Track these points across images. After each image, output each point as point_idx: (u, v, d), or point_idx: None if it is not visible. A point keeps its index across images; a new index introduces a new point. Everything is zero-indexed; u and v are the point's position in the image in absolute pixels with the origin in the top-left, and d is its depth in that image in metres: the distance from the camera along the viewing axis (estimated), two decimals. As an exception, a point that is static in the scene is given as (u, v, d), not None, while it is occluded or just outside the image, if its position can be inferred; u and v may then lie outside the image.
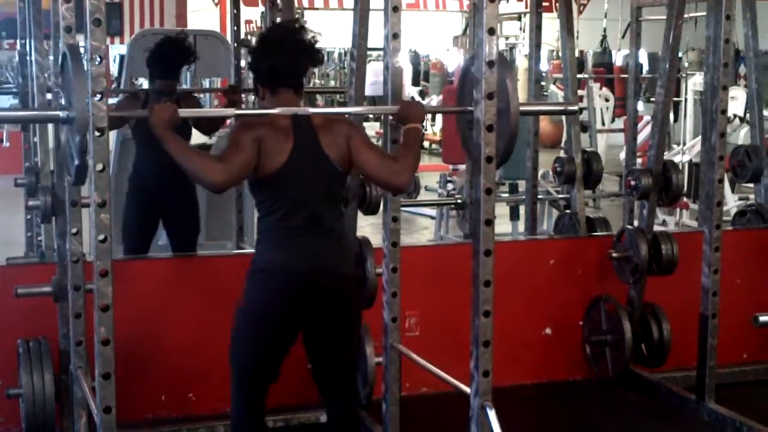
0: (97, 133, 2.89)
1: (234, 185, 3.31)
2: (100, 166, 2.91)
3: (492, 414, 3.25)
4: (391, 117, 3.73)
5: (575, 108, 3.88)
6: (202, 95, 8.91)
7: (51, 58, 3.97)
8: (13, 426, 4.30)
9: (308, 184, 3.36)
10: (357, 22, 4.27)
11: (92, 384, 3.51)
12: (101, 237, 2.92)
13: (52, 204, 3.79)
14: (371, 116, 12.43)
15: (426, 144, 16.02)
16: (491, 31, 3.13)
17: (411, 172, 3.44)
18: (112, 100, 3.23)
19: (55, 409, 3.96)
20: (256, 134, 3.29)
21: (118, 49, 13.61)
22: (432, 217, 9.21)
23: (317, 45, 3.51)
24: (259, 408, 3.51)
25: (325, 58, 18.46)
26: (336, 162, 3.39)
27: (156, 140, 3.20)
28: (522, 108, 3.23)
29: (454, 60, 17.91)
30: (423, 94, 17.53)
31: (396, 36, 3.83)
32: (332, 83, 19.30)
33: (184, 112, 3.33)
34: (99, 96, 2.89)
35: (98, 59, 2.89)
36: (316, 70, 18.69)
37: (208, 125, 5.50)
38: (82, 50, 3.12)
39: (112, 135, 5.19)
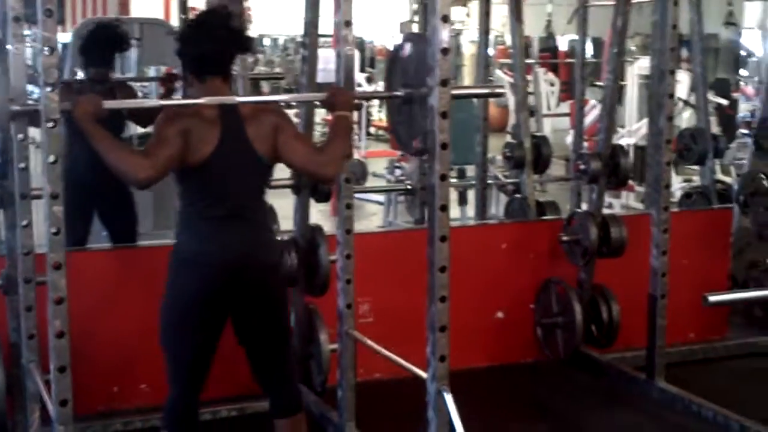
0: (49, 125, 2.86)
1: (159, 180, 3.22)
2: (52, 158, 2.88)
3: (449, 398, 3.28)
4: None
5: (502, 91, 3.96)
6: (146, 84, 8.81)
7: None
8: (-36, 421, 4.24)
9: (233, 176, 3.32)
10: (308, 9, 4.26)
11: (45, 378, 3.50)
12: (54, 229, 2.89)
13: (1, 196, 3.73)
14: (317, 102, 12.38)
15: (372, 130, 16.02)
16: (445, 19, 3.14)
17: (338, 163, 3.42)
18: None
19: (6, 404, 3.92)
20: (181, 126, 3.24)
21: (60, 38, 13.43)
22: (380, 203, 9.21)
23: (246, 33, 3.49)
24: (193, 398, 3.48)
25: (260, 45, 18.44)
26: (262, 154, 3.35)
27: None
28: (453, 92, 3.26)
29: (399, 45, 17.92)
30: (369, 80, 17.51)
31: (348, 24, 3.83)
32: (277, 70, 19.19)
33: (110, 104, 3.27)
34: (50, 87, 2.85)
35: (49, 50, 2.85)
36: (261, 56, 18.64)
37: (145, 117, 5.32)
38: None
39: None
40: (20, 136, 3.42)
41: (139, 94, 6.60)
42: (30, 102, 3.08)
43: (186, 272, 3.33)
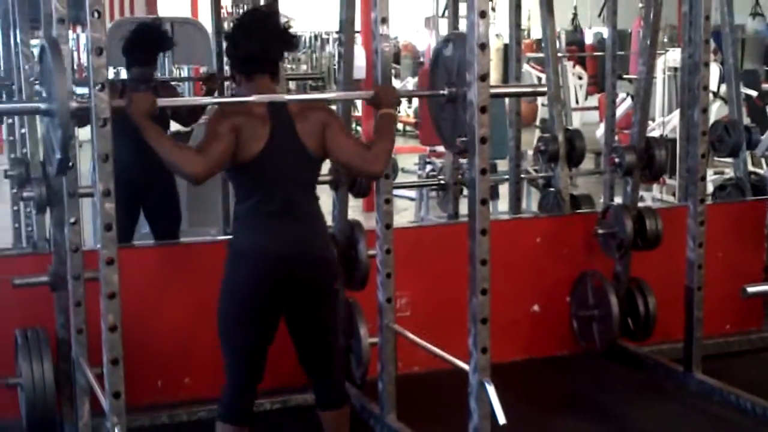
0: (100, 124, 2.92)
1: (213, 175, 3.31)
2: (104, 156, 2.94)
3: (491, 389, 3.32)
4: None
5: (544, 89, 4.01)
6: (180, 84, 8.89)
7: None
8: (11, 416, 4.31)
9: (284, 171, 3.39)
10: (344, 6, 4.31)
11: (94, 371, 3.57)
12: (106, 225, 2.96)
13: (47, 195, 3.81)
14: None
15: (401, 126, 16.08)
16: (483, 14, 3.19)
17: (385, 159, 3.48)
18: (84, 90, 3.24)
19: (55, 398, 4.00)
20: (233, 123, 3.31)
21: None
22: (411, 199, 9.25)
23: (291, 30, 3.54)
24: (250, 390, 3.54)
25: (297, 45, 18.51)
26: (312, 149, 3.42)
27: (134, 130, 3.19)
28: (493, 91, 3.30)
29: (424, 41, 17.94)
30: (396, 76, 17.57)
31: (384, 20, 3.89)
32: (303, 68, 19.29)
33: (163, 101, 3.35)
34: (101, 87, 2.92)
35: (98, 51, 2.91)
36: (286, 54, 18.69)
37: (187, 116, 5.48)
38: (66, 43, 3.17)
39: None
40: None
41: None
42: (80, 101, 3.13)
43: (243, 265, 3.39)
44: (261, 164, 3.35)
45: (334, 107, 4.01)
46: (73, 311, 3.66)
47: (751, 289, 3.61)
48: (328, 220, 4.58)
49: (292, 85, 18.38)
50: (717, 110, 9.33)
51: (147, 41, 5.19)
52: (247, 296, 3.40)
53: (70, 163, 3.37)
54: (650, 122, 10.35)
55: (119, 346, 3.07)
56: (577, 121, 12.10)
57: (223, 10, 13.39)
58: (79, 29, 12.41)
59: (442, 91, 3.62)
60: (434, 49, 3.81)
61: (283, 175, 3.38)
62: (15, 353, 4.06)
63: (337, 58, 4.52)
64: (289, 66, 18.22)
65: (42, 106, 3.17)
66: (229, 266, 3.44)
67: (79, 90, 3.58)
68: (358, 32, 10.41)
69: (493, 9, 16.46)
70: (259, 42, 3.40)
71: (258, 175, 3.38)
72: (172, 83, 5.87)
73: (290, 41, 3.52)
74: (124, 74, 6.17)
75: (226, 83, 5.99)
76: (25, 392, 3.96)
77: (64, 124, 2.92)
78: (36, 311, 4.19)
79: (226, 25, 6.27)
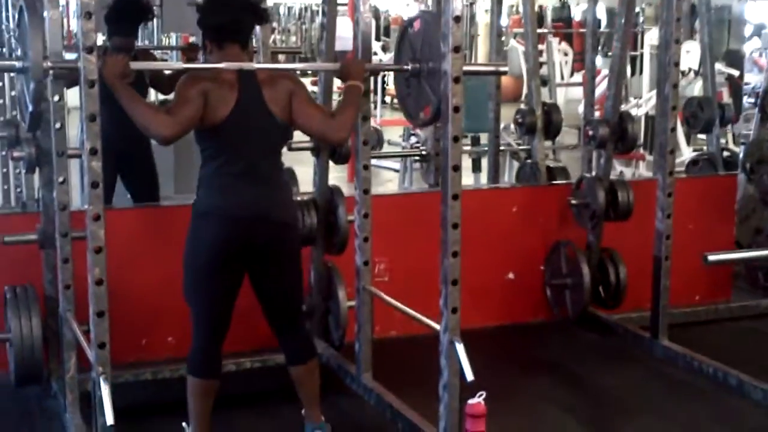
0: (87, 86, 3.05)
1: (181, 137, 3.43)
2: (91, 116, 3.07)
3: (461, 348, 3.46)
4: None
5: (505, 69, 4.16)
6: (167, 52, 8.96)
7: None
8: (0, 369, 4.46)
9: (250, 136, 3.52)
10: (327, -22, 4.42)
11: (81, 328, 3.71)
12: (93, 183, 3.09)
13: (36, 155, 3.93)
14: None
15: (387, 99, 16.17)
16: (457, -12, 3.31)
17: (348, 128, 3.66)
18: (71, 55, 3.37)
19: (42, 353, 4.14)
20: (202, 87, 3.44)
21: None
22: (395, 170, 9.39)
23: (262, 3, 3.68)
24: (215, 347, 3.67)
25: (276, 15, 18.52)
26: (278, 116, 3.55)
27: (112, 96, 3.31)
28: (466, 69, 3.43)
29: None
30: (384, 49, 17.64)
31: (367, -8, 3.99)
32: (293, 38, 19.35)
33: (136, 65, 3.47)
34: (89, 50, 3.05)
35: (87, 15, 3.03)
36: (276, 25, 18.76)
37: (167, 84, 5.53)
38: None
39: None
40: (56, 97, 3.63)
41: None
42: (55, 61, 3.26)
43: (204, 224, 3.53)
44: (227, 128, 3.47)
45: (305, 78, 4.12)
46: (61, 268, 3.79)
47: (712, 257, 3.77)
48: (310, 187, 4.74)
49: (281, 58, 18.53)
50: (699, 88, 9.47)
51: (129, 11, 5.27)
52: (208, 255, 3.53)
53: (58, 124, 3.51)
54: (633, 99, 10.56)
55: (105, 299, 3.21)
56: (561, 97, 12.21)
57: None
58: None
59: (406, 66, 3.76)
60: (400, 27, 3.93)
61: (248, 140, 3.51)
62: (4, 309, 4.17)
63: (320, 30, 4.62)
64: (278, 38, 18.31)
65: (17, 64, 3.32)
66: (191, 226, 3.57)
67: (68, 56, 3.69)
68: (344, 5, 10.46)
69: (483, -16, 16.55)
70: (230, 13, 3.53)
71: (223, 139, 3.50)
72: (154, 51, 5.93)
73: (261, 14, 3.64)
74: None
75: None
76: (13, 347, 4.07)
77: (37, 79, 3.06)
78: (24, 269, 4.32)
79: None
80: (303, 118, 3.58)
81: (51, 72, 3.31)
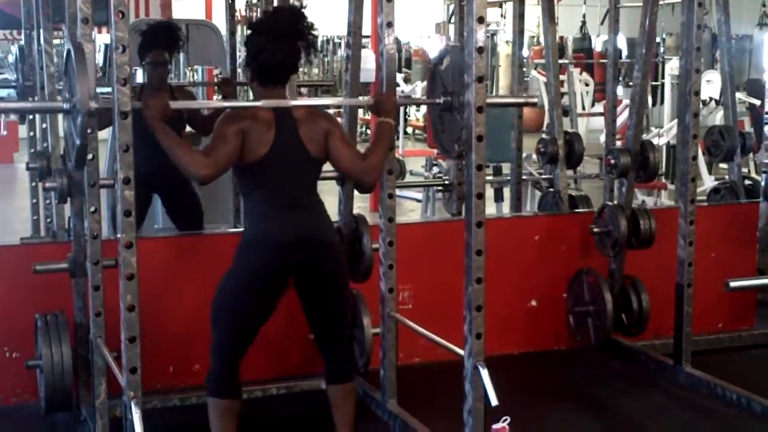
0: (121, 117, 3.14)
1: (219, 176, 3.51)
2: (124, 147, 3.16)
3: (485, 373, 3.50)
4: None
5: (535, 100, 4.20)
6: (195, 88, 9.08)
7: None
8: (30, 397, 4.53)
9: (288, 171, 3.60)
10: (352, 11, 4.49)
11: (111, 355, 3.78)
12: (126, 211, 3.17)
13: (68, 185, 4.02)
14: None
15: (410, 130, 16.28)
16: (480, 20, 3.37)
17: (379, 169, 3.76)
18: (100, 89, 3.45)
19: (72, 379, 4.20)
20: (239, 126, 3.51)
21: (103, 39, 13.75)
22: (418, 200, 9.46)
23: (314, 33, 3.69)
24: (234, 368, 3.72)
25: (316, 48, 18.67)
26: (314, 153, 3.64)
27: (151, 132, 3.39)
28: (489, 101, 3.51)
29: (435, 47, 18.13)
30: (407, 80, 17.76)
31: (390, 25, 4.07)
32: (315, 71, 19.51)
33: (176, 104, 3.56)
34: (123, 82, 3.14)
35: (121, 49, 3.13)
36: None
37: (203, 124, 5.57)
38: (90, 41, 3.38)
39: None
40: (88, 129, 3.72)
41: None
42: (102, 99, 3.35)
43: (251, 250, 3.61)
44: (265, 166, 3.56)
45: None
46: (92, 295, 3.86)
47: (734, 284, 3.80)
48: (335, 216, 4.81)
49: (303, 90, 18.67)
50: (720, 118, 9.51)
51: (163, 31, 5.39)
52: (251, 278, 3.60)
53: (90, 156, 3.60)
54: (654, 129, 10.61)
55: (137, 325, 3.28)
56: (582, 127, 12.28)
57: (237, 13, 13.67)
58: (95, 31, 12.62)
59: (438, 100, 3.83)
60: (431, 63, 3.99)
61: (286, 175, 3.60)
62: (35, 336, 4.27)
63: (345, 62, 4.70)
64: (300, 70, 18.44)
65: (65, 105, 3.41)
66: (238, 252, 3.64)
67: (99, 89, 3.79)
68: (368, 36, 10.61)
69: (503, 16, 16.69)
70: (282, 51, 3.58)
71: (262, 175, 3.59)
72: (188, 87, 6.04)
73: (310, 47, 3.68)
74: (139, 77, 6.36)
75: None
76: (44, 374, 4.14)
77: (84, 116, 3.15)
78: (55, 297, 4.39)
79: (240, 28, 6.45)
80: (337, 158, 3.67)
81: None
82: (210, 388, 3.72)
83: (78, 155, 3.30)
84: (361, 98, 4.11)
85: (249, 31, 3.71)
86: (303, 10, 3.71)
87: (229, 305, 3.65)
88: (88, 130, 3.57)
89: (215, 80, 7.09)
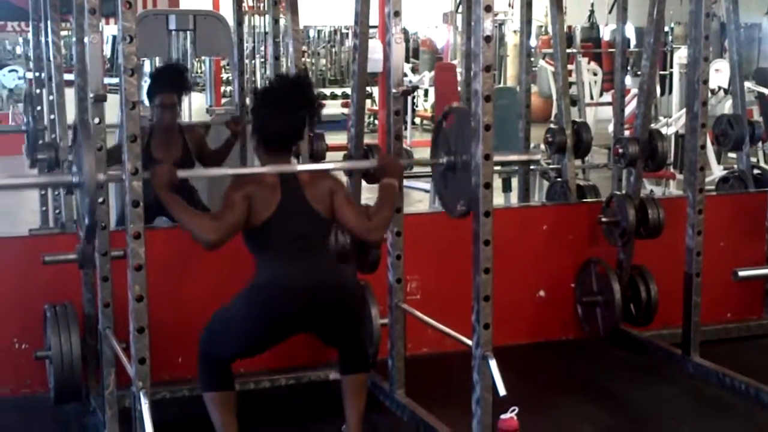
0: (129, 107, 3.14)
1: (226, 242, 3.60)
2: (132, 138, 3.16)
3: (493, 363, 3.51)
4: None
5: (538, 157, 4.20)
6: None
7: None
8: (39, 388, 4.54)
9: (295, 228, 3.67)
10: (359, 1, 4.49)
11: (120, 345, 3.79)
12: (134, 202, 3.18)
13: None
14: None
15: (417, 120, 16.27)
16: (488, 9, 3.37)
17: (384, 229, 3.84)
18: (109, 80, 3.48)
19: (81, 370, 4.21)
20: (246, 192, 3.62)
21: (110, 30, 13.77)
22: (425, 191, 9.45)
23: (319, 104, 3.83)
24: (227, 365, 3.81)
25: (305, 39, 18.68)
26: (323, 213, 3.72)
27: (155, 163, 3.49)
28: (496, 158, 3.53)
29: (443, 37, 18.11)
30: (414, 70, 17.75)
31: (397, 14, 4.08)
32: (323, 62, 19.50)
33: (184, 174, 3.63)
34: (131, 73, 3.14)
35: (129, 39, 3.13)
36: (305, 48, 18.90)
37: (211, 160, 5.60)
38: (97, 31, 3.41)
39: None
40: (96, 119, 3.73)
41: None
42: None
43: (262, 294, 3.66)
44: (270, 227, 3.65)
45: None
46: (101, 286, 3.87)
47: (742, 273, 3.79)
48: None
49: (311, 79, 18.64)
50: (729, 107, 9.48)
51: (170, 75, 5.46)
52: (257, 322, 3.67)
53: (99, 146, 3.61)
54: (663, 118, 10.58)
55: (145, 315, 3.29)
56: (591, 116, 12.24)
57: (244, 3, 13.67)
58: (102, 22, 12.62)
59: (441, 160, 3.88)
60: (435, 123, 4.04)
61: (294, 231, 3.67)
62: (44, 327, 4.28)
63: (352, 52, 4.70)
64: (308, 60, 18.44)
65: (75, 179, 3.45)
66: (243, 296, 3.69)
67: (106, 80, 3.81)
68: (375, 27, 10.59)
69: (511, 6, 16.65)
70: (288, 122, 3.71)
71: (269, 234, 3.66)
72: (198, 127, 5.99)
73: (314, 116, 3.81)
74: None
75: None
76: (53, 364, 4.15)
77: (92, 196, 3.24)
78: (63, 288, 4.41)
79: (247, 18, 6.44)
80: (343, 218, 3.75)
81: (92, 95, 3.40)
82: (205, 383, 3.79)
83: (88, 233, 3.37)
84: (366, 161, 4.26)
85: (254, 101, 3.82)
86: (307, 80, 3.88)
87: (227, 337, 3.73)
88: (95, 118, 3.60)
89: (222, 67, 7.07)
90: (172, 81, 5.41)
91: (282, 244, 3.66)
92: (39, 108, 5.95)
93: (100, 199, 3.79)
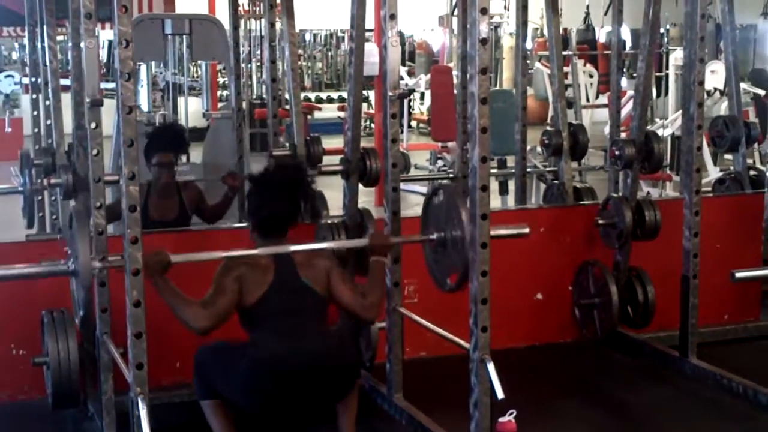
0: (126, 112, 3.14)
1: (217, 328, 3.62)
2: (129, 142, 3.16)
3: (491, 366, 3.52)
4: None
5: (526, 231, 4.21)
6: (197, 81, 9.10)
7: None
8: (37, 394, 4.52)
9: (289, 303, 3.70)
10: (355, 3, 4.49)
11: (117, 351, 3.78)
12: (131, 207, 3.17)
13: (73, 181, 4.02)
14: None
15: (414, 123, 16.26)
16: (483, 11, 3.39)
17: (377, 308, 3.92)
18: (105, 84, 3.49)
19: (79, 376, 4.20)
20: (236, 274, 3.65)
21: (107, 35, 13.77)
22: (422, 194, 9.45)
23: (313, 190, 3.95)
24: None
25: (302, 42, 18.72)
26: (320, 292, 3.76)
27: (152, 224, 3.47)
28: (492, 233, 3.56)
29: (439, 40, 18.10)
30: (410, 74, 17.75)
31: (393, 17, 4.08)
32: (319, 65, 19.52)
33: (178, 258, 3.62)
34: (127, 77, 3.14)
35: (125, 44, 3.12)
36: (301, 52, 18.93)
37: (209, 215, 5.64)
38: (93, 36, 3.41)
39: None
40: (93, 124, 3.73)
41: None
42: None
43: (254, 366, 3.63)
44: (264, 303, 3.68)
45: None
46: (98, 291, 3.87)
47: (739, 275, 3.80)
48: (339, 210, 4.81)
49: (307, 82, 18.64)
50: (725, 108, 9.49)
51: (167, 135, 5.48)
52: (250, 399, 3.69)
53: (95, 152, 3.61)
54: (659, 120, 10.59)
55: (143, 320, 3.29)
56: (587, 118, 12.25)
57: (240, 7, 13.67)
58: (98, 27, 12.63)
59: (431, 236, 3.94)
60: (424, 200, 4.11)
61: (288, 307, 3.69)
62: (41, 333, 4.26)
63: (348, 55, 4.70)
64: (304, 64, 18.45)
65: (69, 267, 3.51)
66: (235, 352, 3.68)
67: (103, 85, 3.81)
68: (371, 30, 10.61)
69: (506, 8, 16.64)
70: (283, 206, 3.77)
71: (261, 314, 3.69)
72: (196, 183, 5.99)
73: (313, 201, 3.99)
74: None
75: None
76: (51, 370, 4.13)
77: (86, 284, 3.33)
78: (61, 294, 4.39)
79: (243, 22, 6.44)
80: (338, 296, 3.82)
81: (89, 100, 3.41)
82: (198, 393, 3.82)
83: (83, 323, 3.54)
84: (357, 240, 4.30)
85: (251, 186, 3.89)
86: (302, 167, 3.98)
87: (216, 388, 3.76)
88: (91, 123, 3.61)
89: (218, 71, 7.07)
90: (170, 140, 5.45)
91: (275, 322, 3.68)
92: (35, 113, 5.94)
93: (97, 204, 3.80)
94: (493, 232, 3.48)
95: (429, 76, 13.58)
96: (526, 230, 4.15)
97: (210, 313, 3.56)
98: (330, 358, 3.71)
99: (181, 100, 9.78)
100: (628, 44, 15.12)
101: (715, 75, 9.70)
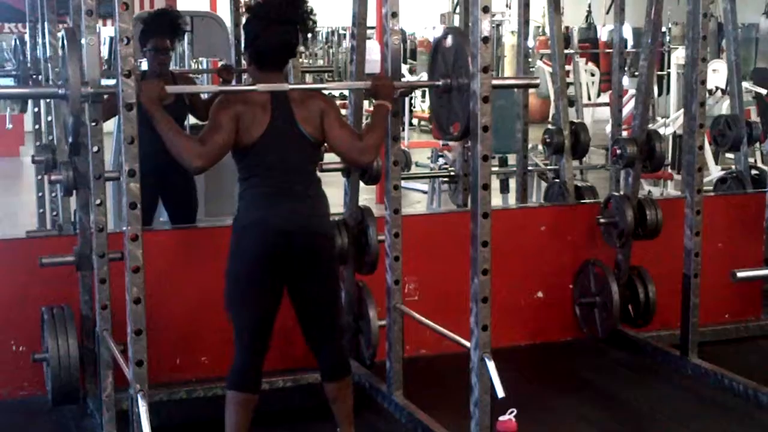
0: (126, 109, 3.13)
1: (212, 165, 3.50)
2: (129, 139, 3.15)
3: (491, 365, 3.51)
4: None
5: (537, 81, 4.18)
6: (198, 76, 9.09)
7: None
8: (37, 390, 4.53)
9: (283, 154, 3.57)
10: (357, 1, 4.48)
11: (117, 348, 3.78)
12: (131, 204, 3.17)
13: (74, 178, 4.01)
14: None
15: (415, 121, 16.26)
16: (485, 9, 3.37)
17: (375, 150, 3.70)
18: (107, 81, 3.48)
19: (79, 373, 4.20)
20: (234, 111, 3.50)
21: (108, 32, 13.75)
22: (423, 192, 9.45)
23: (314, 17, 3.67)
24: (257, 362, 3.69)
25: (315, 34, 18.71)
26: (311, 135, 3.61)
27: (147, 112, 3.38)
28: (493, 82, 3.46)
29: (440, 37, 18.08)
30: (412, 71, 17.74)
31: (395, 15, 4.06)
32: (320, 62, 19.51)
33: (173, 89, 3.54)
34: (128, 74, 3.13)
35: (126, 41, 3.12)
36: (303, 49, 18.92)
37: (203, 110, 5.52)
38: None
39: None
40: (93, 122, 3.72)
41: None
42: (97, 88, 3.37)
43: (245, 237, 3.58)
44: (260, 148, 3.54)
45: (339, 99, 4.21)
46: (98, 288, 3.86)
47: (741, 274, 3.79)
48: (340, 207, 4.80)
49: (308, 77, 18.65)
50: (726, 107, 9.48)
51: (165, 17, 5.38)
52: (249, 266, 3.57)
53: (95, 148, 3.59)
54: (660, 119, 10.58)
55: (143, 317, 3.28)
56: (588, 117, 12.24)
57: (241, 5, 13.66)
58: (100, 23, 12.63)
59: (437, 82, 3.81)
60: (434, 40, 3.99)
61: (282, 158, 3.57)
62: (41, 330, 4.27)
63: (350, 53, 4.69)
64: (306, 61, 18.44)
65: (60, 90, 3.40)
66: (233, 240, 3.62)
67: (104, 81, 3.80)
68: (372, 27, 10.60)
69: (508, 6, 16.65)
70: (280, 36, 3.57)
71: (257, 158, 3.57)
72: (190, 75, 6.01)
73: (313, 32, 3.69)
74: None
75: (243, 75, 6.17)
76: (51, 367, 4.13)
77: (76, 106, 3.18)
78: (61, 290, 4.40)
79: (244, 19, 6.42)
80: (332, 139, 3.64)
81: (89, 97, 3.40)
82: (230, 380, 3.68)
83: (72, 146, 3.31)
84: (360, 82, 4.10)
85: (247, 15, 3.70)
86: None
87: (236, 298, 3.64)
88: (91, 120, 3.59)
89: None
90: (166, 25, 5.35)
91: (270, 172, 3.57)
92: (36, 110, 5.95)
93: (98, 200, 3.80)
94: (500, 82, 3.35)
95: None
96: (537, 81, 4.08)
97: (206, 149, 3.42)
98: (305, 226, 3.60)
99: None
100: (630, 43, 15.08)
101: (716, 74, 9.70)
